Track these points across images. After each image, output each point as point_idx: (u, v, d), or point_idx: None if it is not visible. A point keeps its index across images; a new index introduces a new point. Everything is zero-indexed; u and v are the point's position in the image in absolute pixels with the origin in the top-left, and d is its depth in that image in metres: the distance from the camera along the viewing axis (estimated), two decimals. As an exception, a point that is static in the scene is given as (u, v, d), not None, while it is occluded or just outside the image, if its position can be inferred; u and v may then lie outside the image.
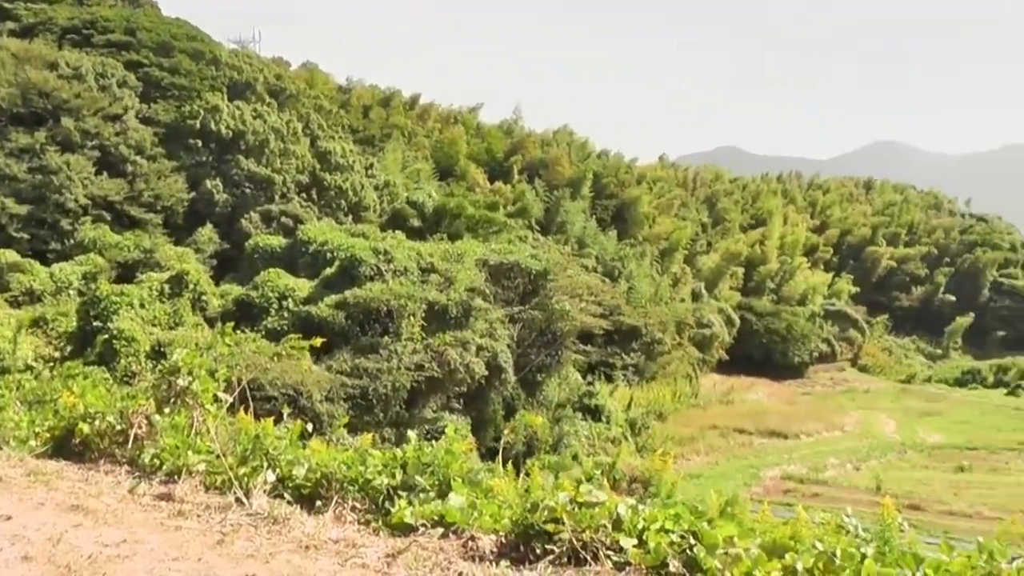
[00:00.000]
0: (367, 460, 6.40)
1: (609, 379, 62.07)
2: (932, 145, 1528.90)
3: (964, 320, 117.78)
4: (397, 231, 55.14)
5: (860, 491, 43.33)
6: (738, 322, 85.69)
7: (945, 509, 42.24)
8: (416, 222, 62.33)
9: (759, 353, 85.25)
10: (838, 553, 4.29)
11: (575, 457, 45.75)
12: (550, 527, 4.95)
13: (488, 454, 37.77)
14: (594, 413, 54.10)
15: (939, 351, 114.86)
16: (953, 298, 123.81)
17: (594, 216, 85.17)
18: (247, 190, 57.50)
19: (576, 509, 4.98)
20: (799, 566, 4.29)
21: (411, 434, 6.81)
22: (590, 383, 58.10)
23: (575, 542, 4.85)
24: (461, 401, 43.78)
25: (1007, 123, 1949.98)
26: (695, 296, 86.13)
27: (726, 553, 4.46)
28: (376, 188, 64.90)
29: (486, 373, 43.08)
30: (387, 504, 5.96)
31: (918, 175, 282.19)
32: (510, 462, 9.72)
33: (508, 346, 46.02)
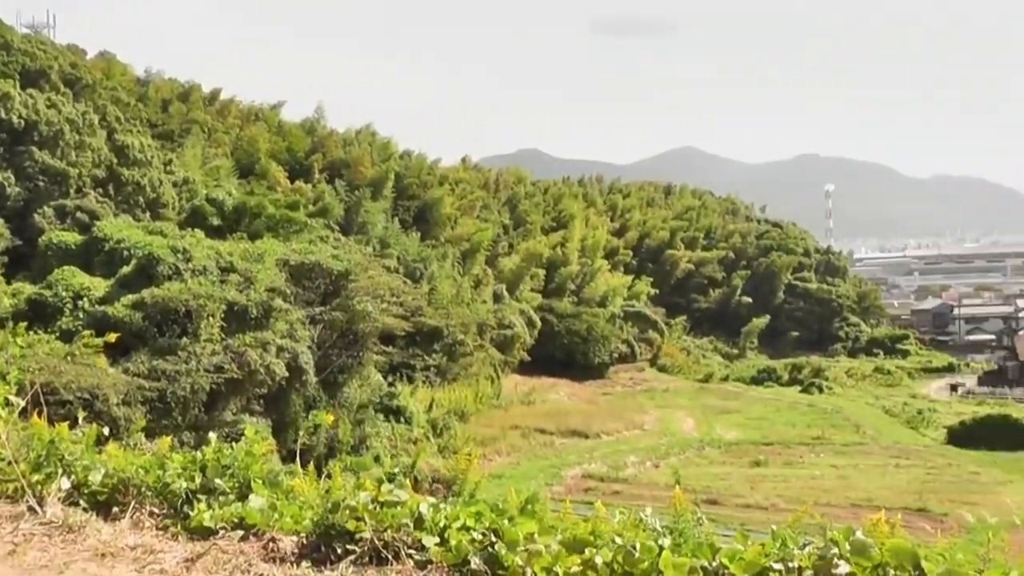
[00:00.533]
0: (165, 464, 6.32)
1: (410, 380, 62.97)
2: (731, 153, 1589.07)
3: (760, 321, 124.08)
4: (196, 229, 54.43)
5: (660, 488, 44.71)
6: (539, 323, 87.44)
7: (742, 503, 44.31)
8: (216, 220, 61.71)
9: (560, 354, 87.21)
10: (637, 546, 4.46)
11: (377, 458, 46.45)
12: (352, 526, 5.00)
13: (290, 456, 37.41)
14: (396, 414, 55.00)
15: (736, 351, 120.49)
16: (749, 300, 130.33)
17: (396, 217, 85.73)
18: (40, 183, 55.52)
19: (378, 508, 5.05)
20: (598, 560, 4.44)
21: (211, 436, 6.72)
22: (392, 384, 58.93)
23: (377, 541, 4.91)
24: (262, 403, 43.99)
25: (801, 134, 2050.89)
26: (497, 297, 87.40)
27: (527, 549, 4.57)
28: (175, 185, 63.94)
29: (287, 374, 43.36)
30: (186, 508, 5.88)
31: (717, 181, 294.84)
32: (311, 464, 10.06)
33: (309, 347, 46.46)
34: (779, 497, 44.99)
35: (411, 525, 4.99)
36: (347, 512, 5.06)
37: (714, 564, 4.31)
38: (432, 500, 5.18)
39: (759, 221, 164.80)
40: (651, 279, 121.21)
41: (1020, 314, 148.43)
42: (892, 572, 3.89)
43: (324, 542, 5.10)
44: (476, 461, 40.11)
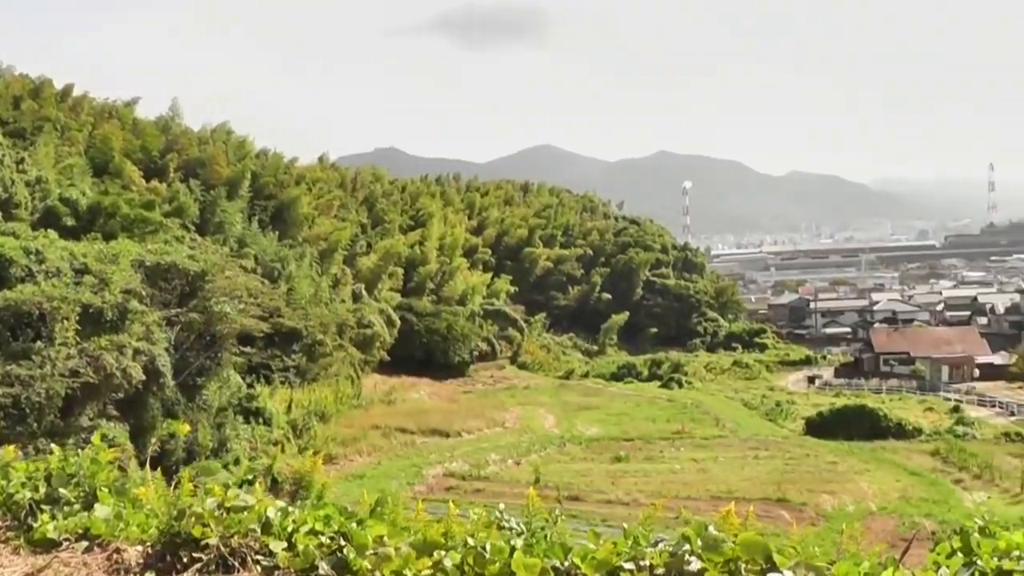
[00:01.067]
0: (9, 474, 6.17)
1: (269, 381, 62.95)
2: (589, 151, 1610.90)
3: (619, 318, 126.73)
4: (49, 230, 53.88)
5: (521, 485, 44.84)
6: (399, 322, 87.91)
7: (604, 498, 44.88)
8: (69, 221, 61.02)
9: (420, 353, 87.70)
10: (487, 547, 4.47)
11: (236, 461, 46.39)
12: (197, 533, 4.87)
13: (150, 462, 37.86)
14: (256, 416, 55.22)
15: (596, 347, 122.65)
16: (609, 297, 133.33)
17: (253, 217, 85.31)
18: None
19: (224, 514, 4.96)
20: (448, 562, 4.44)
21: (54, 446, 6.58)
22: (251, 386, 59.00)
23: (223, 548, 4.79)
24: (119, 408, 43.70)
25: (659, 132, 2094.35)
26: (355, 297, 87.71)
27: (375, 553, 4.55)
28: (27, 184, 62.74)
29: (144, 378, 43.19)
30: (30, 520, 5.70)
31: (575, 179, 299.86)
32: (172, 469, 9.94)
33: (166, 349, 46.39)
34: (640, 492, 45.63)
35: (259, 530, 4.91)
36: (193, 519, 4.97)
37: (566, 564, 4.35)
38: (280, 504, 5.12)
39: (617, 218, 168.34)
40: (510, 277, 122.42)
41: (875, 307, 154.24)
42: (744, 566, 3.91)
43: (170, 551, 4.99)
44: (319, 462, 40.89)
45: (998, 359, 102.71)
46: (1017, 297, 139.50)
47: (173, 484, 5.84)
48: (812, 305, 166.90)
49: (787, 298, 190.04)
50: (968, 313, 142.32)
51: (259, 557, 4.79)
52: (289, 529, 4.88)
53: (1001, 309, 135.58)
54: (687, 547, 4.09)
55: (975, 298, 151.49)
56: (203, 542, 4.86)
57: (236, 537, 4.87)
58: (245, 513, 4.99)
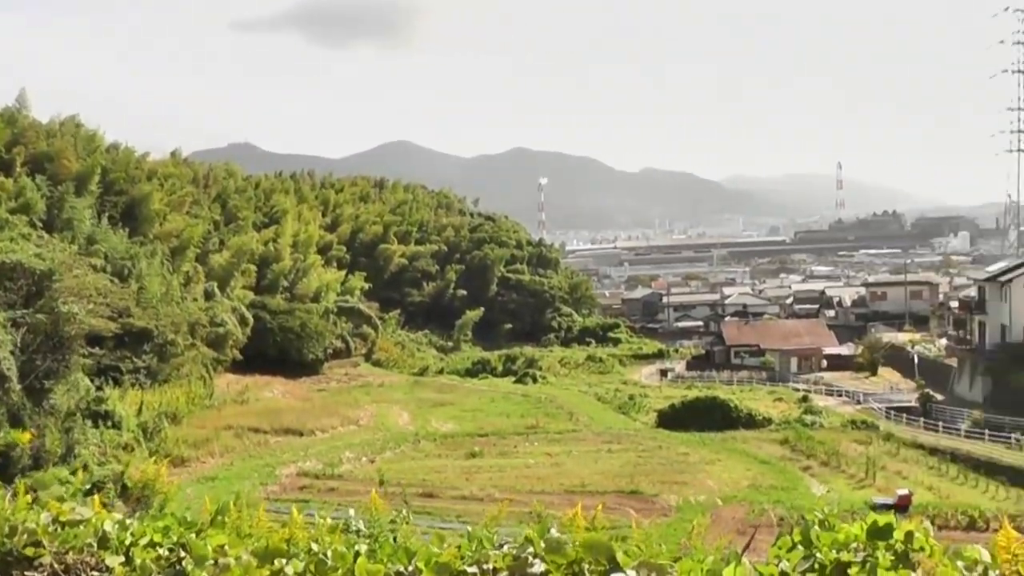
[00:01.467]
0: None
1: (119, 383, 62.06)
2: (445, 147, 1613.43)
3: (474, 314, 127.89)
4: None
5: (374, 483, 44.20)
6: (252, 320, 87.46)
7: (458, 494, 45.21)
8: (-89, 219, 59.33)
9: (274, 351, 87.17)
10: (329, 554, 4.43)
11: (85, 467, 45.21)
12: (30, 551, 4.58)
13: None
14: (105, 419, 53.78)
15: (451, 344, 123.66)
16: (463, 293, 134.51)
17: (103, 213, 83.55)
18: None
19: (59, 529, 4.69)
20: (289, 571, 4.36)
21: None
22: (100, 388, 57.66)
23: (57, 566, 4.54)
24: None
25: (514, 129, 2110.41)
26: (208, 295, 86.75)
27: (215, 563, 4.39)
28: None
29: None
30: None
31: (431, 175, 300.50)
32: (8, 478, 9.15)
33: (12, 352, 45.60)
34: (494, 487, 46.00)
35: (95, 545, 4.64)
36: (25, 536, 4.64)
37: (410, 569, 4.31)
38: (117, 516, 4.83)
39: (472, 215, 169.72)
40: (365, 274, 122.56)
41: (726, 301, 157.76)
42: (587, 567, 3.87)
43: (2, 570, 4.61)
44: (164, 469, 40.71)
45: (845, 350, 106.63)
46: (863, 291, 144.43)
47: (9, 496, 5.34)
48: (665, 299, 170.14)
49: (640, 293, 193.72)
50: (816, 306, 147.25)
51: (95, 573, 4.55)
52: (127, 542, 4.63)
53: (848, 302, 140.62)
54: (530, 549, 4.07)
55: (823, 292, 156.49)
56: (37, 560, 4.59)
57: (71, 553, 4.60)
58: (81, 527, 4.71)
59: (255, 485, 47.11)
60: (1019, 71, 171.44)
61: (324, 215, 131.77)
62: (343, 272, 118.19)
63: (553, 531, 4.10)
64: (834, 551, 3.50)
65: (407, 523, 6.45)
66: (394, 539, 5.61)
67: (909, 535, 3.44)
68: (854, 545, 3.50)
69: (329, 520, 5.28)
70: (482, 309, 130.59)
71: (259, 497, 41.61)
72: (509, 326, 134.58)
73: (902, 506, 40.40)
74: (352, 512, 6.52)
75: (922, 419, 70.37)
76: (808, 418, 69.33)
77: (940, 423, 68.07)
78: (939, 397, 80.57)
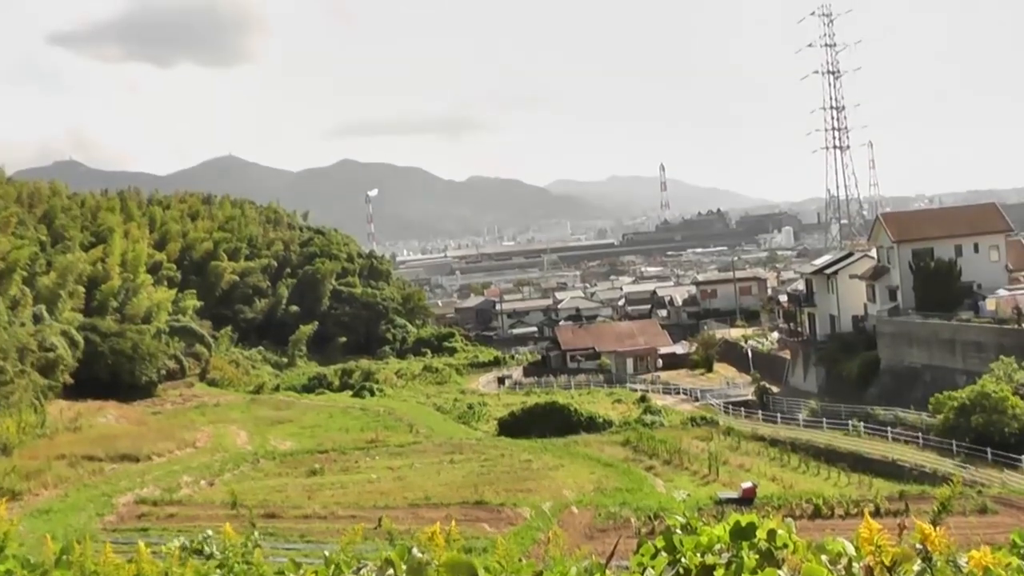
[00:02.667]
0: None
1: None
2: (272, 161, 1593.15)
3: (307, 328, 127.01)
4: None
5: (215, 506, 44.65)
6: (83, 344, 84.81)
7: (301, 513, 44.32)
8: None
9: (106, 375, 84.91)
10: None
11: None
12: None
13: None
14: None
15: (286, 360, 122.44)
16: (296, 308, 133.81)
17: None
18: None
19: None
20: None
21: None
22: None
23: None
24: None
25: (342, 143, 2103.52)
26: (36, 319, 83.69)
27: None
28: None
29: None
30: None
31: (260, 190, 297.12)
32: None
33: None
34: (338, 504, 45.72)
35: None
36: None
37: None
38: None
39: (302, 229, 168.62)
40: (196, 292, 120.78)
41: (559, 306, 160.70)
42: None
43: None
44: (3, 505, 39.60)
45: (679, 348, 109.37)
46: (694, 289, 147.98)
47: None
48: (498, 307, 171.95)
49: (473, 301, 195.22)
50: (649, 307, 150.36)
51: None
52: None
53: (679, 301, 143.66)
54: (391, 572, 3.92)
55: (654, 292, 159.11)
56: None
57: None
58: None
59: (92, 516, 45.66)
60: (829, 72, 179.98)
61: (152, 233, 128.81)
62: (174, 291, 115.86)
63: (415, 551, 3.94)
64: (698, 555, 3.44)
65: (258, 547, 6.11)
66: (247, 565, 5.46)
67: (772, 533, 3.43)
68: (718, 547, 3.45)
69: (177, 548, 5.19)
70: (316, 323, 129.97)
71: (97, 529, 40.78)
72: (344, 339, 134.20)
73: (747, 499, 41.80)
74: (210, 531, 6.45)
75: (760, 412, 72.80)
76: (648, 418, 70.73)
77: (778, 414, 70.53)
78: (775, 389, 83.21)
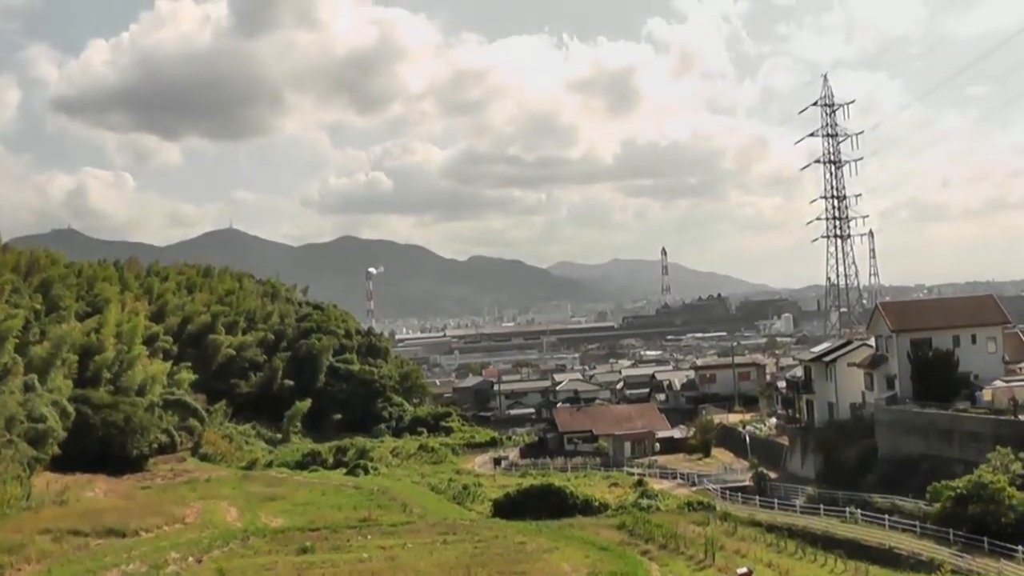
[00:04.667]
0: None
1: None
2: (274, 235, 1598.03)
3: (303, 404, 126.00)
4: None
5: None
6: (74, 415, 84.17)
7: None
8: None
9: (97, 447, 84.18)
10: None
11: None
12: None
13: None
14: None
15: (280, 435, 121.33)
16: (291, 383, 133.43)
17: None
18: None
19: None
20: None
21: None
22: None
23: None
24: None
25: (341, 217, 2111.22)
26: (27, 388, 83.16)
27: None
28: None
29: None
30: None
31: (260, 264, 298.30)
32: None
33: None
34: None
35: None
36: None
37: None
38: None
39: (300, 303, 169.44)
40: (192, 365, 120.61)
41: (557, 388, 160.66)
42: None
43: None
44: None
45: (677, 433, 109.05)
46: (692, 373, 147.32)
47: None
48: (496, 387, 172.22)
49: (471, 381, 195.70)
50: (647, 390, 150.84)
51: None
52: None
53: (678, 385, 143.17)
54: None
55: (653, 376, 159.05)
56: None
57: None
58: None
59: (75, 594, 44.23)
60: (830, 161, 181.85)
61: (150, 304, 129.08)
62: (170, 363, 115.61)
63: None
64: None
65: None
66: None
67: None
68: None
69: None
70: (311, 399, 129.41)
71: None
72: (339, 416, 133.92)
73: (743, 584, 41.63)
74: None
75: (758, 497, 72.14)
76: (644, 502, 70.21)
77: (775, 500, 69.89)
78: (773, 475, 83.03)
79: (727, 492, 76.08)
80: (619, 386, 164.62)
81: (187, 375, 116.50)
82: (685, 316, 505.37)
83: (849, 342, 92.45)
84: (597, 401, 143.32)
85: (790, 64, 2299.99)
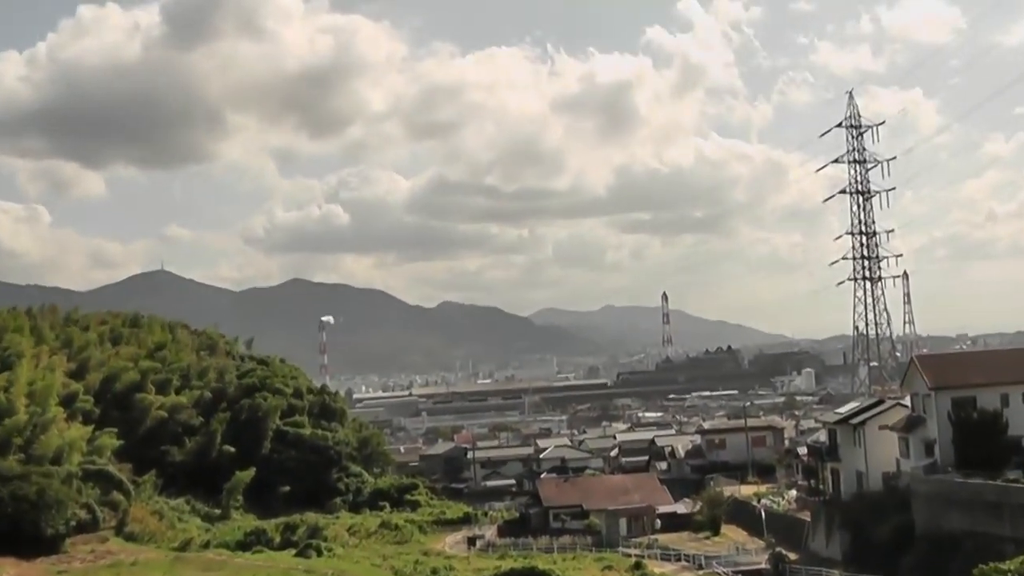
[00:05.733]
0: None
1: None
2: (211, 279, 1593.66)
3: (245, 475, 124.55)
4: None
5: None
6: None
7: None
8: None
9: (5, 525, 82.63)
10: None
11: None
12: None
13: None
14: None
15: (218, 511, 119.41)
16: (232, 450, 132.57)
17: None
18: None
19: None
20: None
21: None
22: None
23: None
24: None
25: (292, 258, 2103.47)
26: None
27: None
28: None
29: None
30: None
31: (196, 311, 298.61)
32: None
33: None
34: None
35: None
36: None
37: None
38: None
39: (243, 357, 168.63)
40: (117, 430, 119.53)
41: (541, 455, 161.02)
42: None
43: None
44: None
45: (681, 507, 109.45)
46: (698, 439, 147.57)
47: None
48: (470, 455, 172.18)
49: (442, 448, 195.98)
50: (646, 458, 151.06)
51: None
52: None
53: (682, 452, 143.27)
54: None
55: (653, 441, 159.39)
56: None
57: None
58: None
59: None
60: (857, 192, 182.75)
61: (68, 359, 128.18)
62: (91, 428, 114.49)
63: None
64: None
65: None
66: None
67: None
68: None
69: None
70: (255, 469, 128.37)
71: None
72: (288, 489, 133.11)
73: None
74: None
75: (775, 582, 72.69)
76: (643, 588, 70.75)
77: (796, 585, 70.40)
78: (793, 556, 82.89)
79: (740, 576, 76.35)
80: (613, 453, 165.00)
81: (111, 441, 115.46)
82: (690, 372, 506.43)
83: (881, 401, 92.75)
84: (588, 471, 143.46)
85: (810, 80, 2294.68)
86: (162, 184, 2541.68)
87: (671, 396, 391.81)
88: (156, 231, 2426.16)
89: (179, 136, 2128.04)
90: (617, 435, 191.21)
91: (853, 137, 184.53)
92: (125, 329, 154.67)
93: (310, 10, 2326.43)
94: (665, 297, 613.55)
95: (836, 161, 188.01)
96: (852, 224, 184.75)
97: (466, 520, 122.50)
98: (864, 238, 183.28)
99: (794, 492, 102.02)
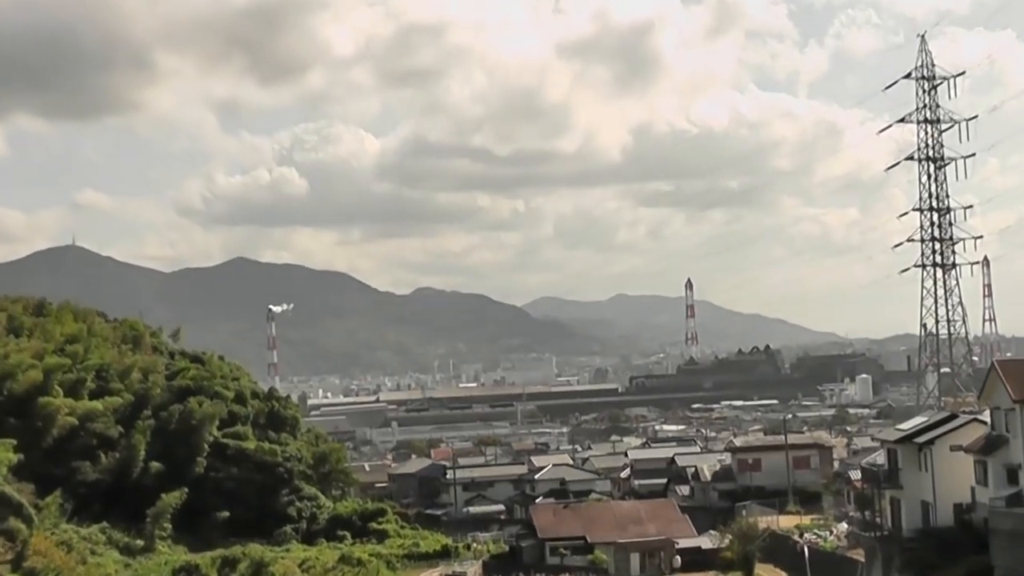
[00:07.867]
0: None
1: None
2: (136, 257, 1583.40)
3: (174, 497, 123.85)
4: None
5: None
6: None
7: None
8: None
9: None
10: None
11: None
12: None
13: None
14: None
15: (141, 542, 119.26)
16: (159, 466, 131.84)
17: None
18: None
19: None
20: None
21: None
22: None
23: None
24: None
25: (236, 234, 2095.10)
26: None
27: None
28: None
29: None
30: None
31: (118, 295, 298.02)
32: None
33: None
34: None
35: None
36: None
37: None
38: None
39: (173, 354, 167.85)
40: (14, 441, 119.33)
41: (536, 476, 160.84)
42: None
43: None
44: None
45: (706, 541, 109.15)
46: (728, 458, 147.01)
47: None
48: (450, 475, 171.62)
49: (416, 465, 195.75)
50: (664, 480, 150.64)
51: None
52: None
53: (708, 474, 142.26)
54: None
55: (672, 460, 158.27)
56: None
57: None
58: None
59: None
60: (928, 158, 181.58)
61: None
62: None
63: None
64: None
65: None
66: None
67: None
68: None
69: None
70: (186, 490, 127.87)
71: None
72: (227, 515, 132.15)
73: None
74: None
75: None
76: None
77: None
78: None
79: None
80: (624, 474, 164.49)
81: (6, 455, 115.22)
82: (718, 376, 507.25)
83: (953, 416, 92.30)
84: (593, 495, 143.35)
85: (874, 19, 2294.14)
86: (74, 140, 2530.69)
87: (695, 406, 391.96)
88: (66, 198, 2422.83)
89: (96, 81, 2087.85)
90: (629, 452, 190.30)
91: (925, 91, 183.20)
92: (26, 317, 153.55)
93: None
94: (689, 285, 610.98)
95: (903, 120, 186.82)
96: (921, 198, 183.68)
97: (444, 554, 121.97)
98: (936, 215, 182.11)
99: (844, 525, 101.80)
